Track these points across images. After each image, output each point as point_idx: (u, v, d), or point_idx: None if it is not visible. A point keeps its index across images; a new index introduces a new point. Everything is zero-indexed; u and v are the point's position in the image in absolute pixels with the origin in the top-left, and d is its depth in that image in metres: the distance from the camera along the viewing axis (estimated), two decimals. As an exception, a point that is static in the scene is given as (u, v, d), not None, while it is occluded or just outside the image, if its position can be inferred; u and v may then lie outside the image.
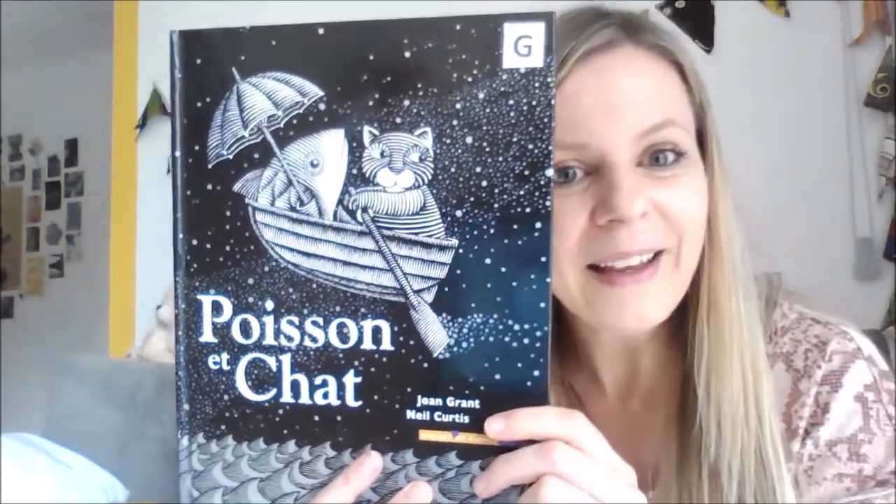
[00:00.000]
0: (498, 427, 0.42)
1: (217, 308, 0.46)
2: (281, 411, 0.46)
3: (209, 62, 0.45)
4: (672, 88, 0.56)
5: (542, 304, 0.43)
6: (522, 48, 0.41)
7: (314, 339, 0.45)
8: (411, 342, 0.44)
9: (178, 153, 0.46)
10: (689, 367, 0.58)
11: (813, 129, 1.72)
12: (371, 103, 0.43)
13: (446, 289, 0.43)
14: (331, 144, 0.44)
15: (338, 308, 0.45)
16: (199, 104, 0.45)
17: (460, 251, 0.43)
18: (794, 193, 1.70)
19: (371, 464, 0.44)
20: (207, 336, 0.47)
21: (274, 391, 0.46)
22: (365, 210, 0.44)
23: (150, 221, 2.61)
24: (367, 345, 0.45)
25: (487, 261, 0.43)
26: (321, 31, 0.43)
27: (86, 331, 3.89)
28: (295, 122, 0.44)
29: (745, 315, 0.57)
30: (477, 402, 0.44)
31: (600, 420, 0.61)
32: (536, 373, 0.43)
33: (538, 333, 0.43)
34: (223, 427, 0.47)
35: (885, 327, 1.57)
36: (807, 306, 0.62)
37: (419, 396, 0.45)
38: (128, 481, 1.62)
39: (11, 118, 4.65)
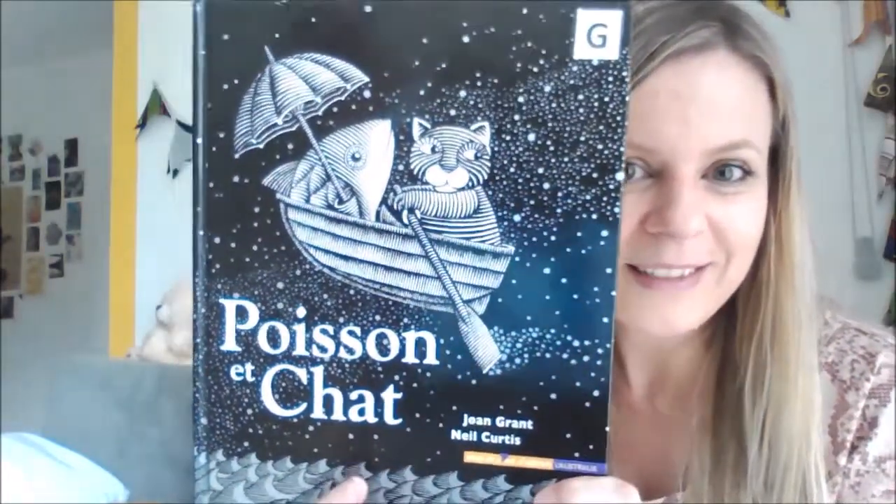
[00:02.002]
0: (548, 501, 0.39)
1: (241, 314, 0.42)
2: (311, 428, 0.42)
3: (238, 39, 0.40)
4: (755, 104, 0.53)
5: (606, 319, 0.39)
6: (596, 38, 0.37)
7: (350, 351, 0.41)
8: (459, 357, 0.40)
9: (200, 140, 0.41)
10: (737, 381, 0.56)
11: (813, 129, 1.72)
12: (422, 93, 0.39)
13: (500, 300, 0.40)
14: (375, 137, 0.39)
15: (378, 317, 0.41)
16: (225, 86, 0.40)
17: (517, 259, 0.39)
18: (794, 193, 1.70)
19: (353, 489, 0.42)
20: (230, 344, 0.42)
21: (304, 406, 0.42)
22: (412, 211, 0.40)
23: (150, 221, 2.61)
24: (410, 358, 0.41)
25: (546, 270, 0.39)
26: (368, 8, 0.38)
27: (86, 331, 3.89)
28: (335, 110, 0.39)
29: (809, 343, 0.55)
30: (530, 422, 0.40)
31: (625, 415, 0.58)
32: (596, 393, 0.40)
33: (600, 350, 0.39)
34: (245, 444, 0.43)
35: (886, 327, 1.56)
36: (841, 314, 0.61)
37: (466, 415, 0.41)
38: (128, 481, 1.62)
39: (11, 118, 4.65)
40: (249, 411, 0.43)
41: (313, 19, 0.39)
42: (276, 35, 0.39)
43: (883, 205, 1.70)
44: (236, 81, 0.40)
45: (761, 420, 0.54)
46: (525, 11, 0.37)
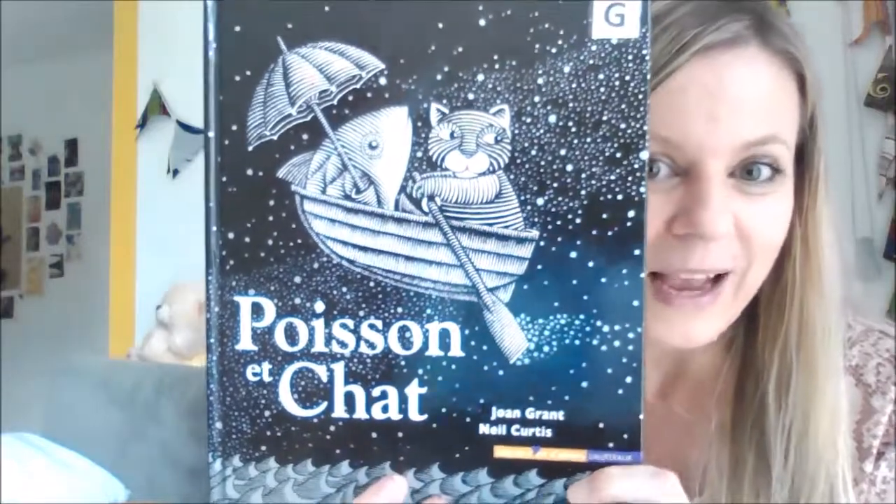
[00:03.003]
0: (583, 494, 0.38)
1: (257, 311, 0.40)
2: (332, 428, 0.41)
3: (250, 30, 0.39)
4: (786, 100, 0.51)
5: (636, 303, 0.38)
6: (614, 17, 0.37)
7: (372, 345, 0.40)
8: (485, 347, 0.39)
9: (211, 133, 0.40)
10: (759, 387, 0.55)
11: (813, 129, 1.72)
12: (439, 77, 0.38)
13: (525, 286, 0.38)
14: (392, 124, 0.38)
15: (399, 309, 0.39)
16: (237, 78, 0.39)
17: (541, 244, 0.38)
18: (794, 193, 1.70)
19: (393, 487, 0.40)
20: (246, 343, 0.41)
21: (324, 405, 0.41)
22: (431, 198, 0.38)
23: (150, 221, 2.61)
24: (434, 351, 0.39)
25: (573, 254, 0.38)
26: None
27: (86, 331, 3.89)
28: (351, 98, 0.38)
29: (836, 348, 0.54)
30: (561, 413, 0.39)
31: None
32: (629, 379, 0.39)
33: (631, 335, 0.38)
34: (263, 448, 0.41)
35: None
36: (862, 314, 0.60)
37: (494, 408, 0.40)
38: (128, 481, 1.62)
39: (11, 118, 4.65)
40: (267, 413, 0.41)
41: (326, 8, 0.38)
42: (289, 25, 0.39)
43: (883, 205, 1.71)
44: (248, 73, 0.39)
45: (787, 428, 0.53)
46: None
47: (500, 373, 0.39)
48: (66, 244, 4.62)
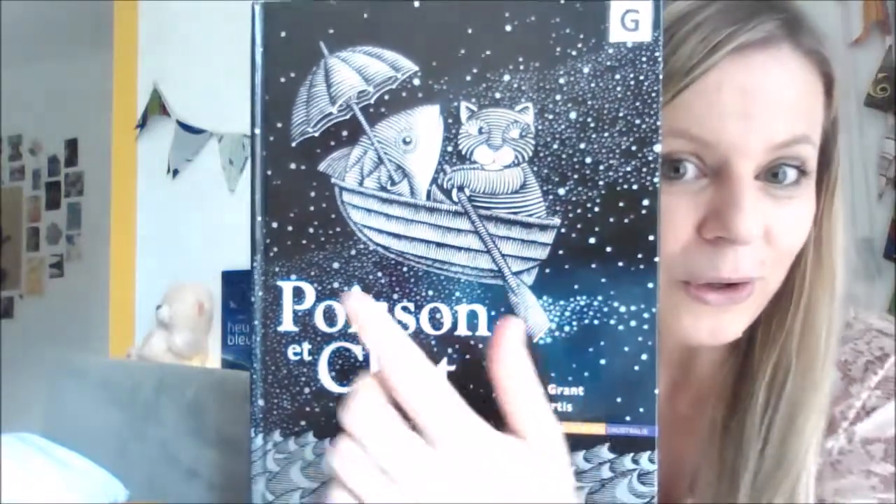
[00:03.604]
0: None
1: (299, 295, 0.44)
2: None
3: (294, 36, 0.42)
4: (814, 100, 0.52)
5: (650, 285, 0.41)
6: (629, 22, 0.40)
7: (405, 326, 0.43)
8: None
9: (258, 130, 0.43)
10: (754, 385, 0.55)
11: (813, 129, 1.72)
12: (469, 78, 0.41)
13: (547, 270, 0.41)
14: (425, 121, 0.42)
15: (430, 292, 0.42)
16: (282, 79, 0.43)
17: (562, 231, 0.41)
18: (794, 193, 1.70)
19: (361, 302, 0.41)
20: (287, 325, 0.44)
21: None
22: (461, 189, 0.41)
23: (150, 221, 2.61)
24: (462, 331, 0.42)
25: (592, 240, 0.41)
26: (417, 3, 0.41)
27: (86, 331, 3.89)
28: (387, 97, 0.42)
29: (835, 351, 0.54)
30: (581, 388, 0.42)
31: None
32: (644, 356, 0.41)
33: (646, 315, 0.41)
34: (303, 423, 0.44)
35: None
36: (864, 310, 0.60)
37: None
38: (128, 481, 1.62)
39: (11, 118, 4.65)
40: (307, 390, 0.44)
41: (365, 15, 0.42)
42: (331, 30, 0.42)
43: (883, 205, 1.71)
44: (293, 75, 0.42)
45: (766, 426, 0.53)
46: (562, 1, 0.40)
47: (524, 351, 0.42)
48: (66, 244, 4.62)
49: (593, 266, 0.41)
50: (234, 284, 2.28)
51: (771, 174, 0.50)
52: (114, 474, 1.61)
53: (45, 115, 4.61)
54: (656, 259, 0.41)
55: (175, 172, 2.51)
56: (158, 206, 2.57)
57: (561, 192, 0.41)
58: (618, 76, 0.40)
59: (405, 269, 0.43)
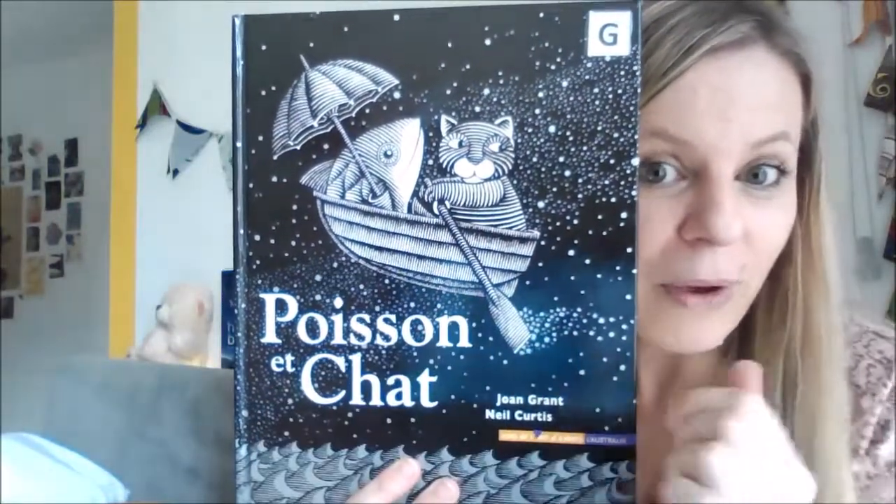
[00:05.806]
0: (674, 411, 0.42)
1: (281, 307, 0.44)
2: (350, 414, 0.44)
3: (275, 49, 0.43)
4: (792, 100, 0.51)
5: (628, 297, 0.41)
6: (608, 36, 0.40)
7: (386, 338, 0.43)
8: (490, 338, 0.43)
9: (239, 144, 0.43)
10: (763, 393, 0.55)
11: (813, 129, 1.72)
12: (449, 92, 0.41)
13: (527, 282, 0.42)
14: (406, 134, 0.42)
15: (412, 304, 0.43)
16: (263, 92, 0.43)
17: (542, 243, 0.42)
18: (794, 193, 1.70)
19: (409, 469, 0.43)
20: (270, 337, 0.44)
21: (343, 393, 0.44)
22: (441, 202, 0.42)
23: (150, 221, 2.61)
24: (444, 342, 0.43)
25: (571, 252, 0.42)
26: (396, 17, 0.42)
27: (86, 331, 3.89)
28: (368, 111, 0.42)
29: (840, 353, 0.54)
30: (560, 399, 0.42)
31: None
32: (623, 367, 0.42)
33: (624, 326, 0.42)
34: (286, 433, 0.45)
35: None
36: (860, 314, 0.59)
37: (499, 395, 0.43)
38: (128, 481, 1.62)
39: (11, 118, 4.65)
40: (290, 401, 0.44)
41: (345, 28, 0.42)
42: (311, 44, 0.42)
43: (883, 205, 1.70)
44: (274, 88, 0.43)
45: (791, 434, 0.51)
46: (541, 15, 0.41)
47: (505, 362, 0.43)
48: (66, 244, 4.62)
49: (572, 278, 0.42)
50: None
51: (751, 174, 0.50)
52: (114, 474, 1.61)
53: (45, 115, 4.61)
54: (634, 271, 0.41)
55: (175, 172, 2.51)
56: (158, 206, 2.57)
57: (540, 204, 0.42)
58: (596, 90, 0.41)
59: (387, 281, 0.43)
